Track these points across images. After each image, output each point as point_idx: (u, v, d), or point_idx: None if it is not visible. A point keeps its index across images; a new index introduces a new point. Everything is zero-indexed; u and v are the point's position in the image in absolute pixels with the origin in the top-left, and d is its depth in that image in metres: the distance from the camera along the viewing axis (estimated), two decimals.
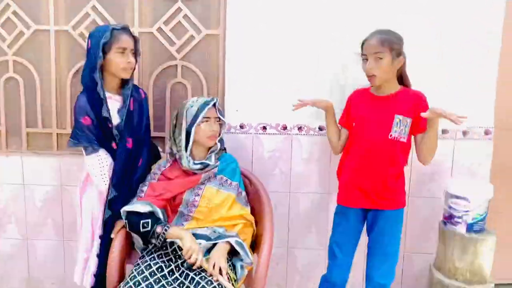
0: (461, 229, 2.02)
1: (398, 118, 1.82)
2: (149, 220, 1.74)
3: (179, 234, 1.71)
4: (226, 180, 1.91)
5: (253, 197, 2.06)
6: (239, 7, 2.22)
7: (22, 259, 2.45)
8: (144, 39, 2.28)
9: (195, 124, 1.83)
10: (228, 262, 1.74)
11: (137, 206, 1.77)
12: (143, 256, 1.78)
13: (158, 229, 1.71)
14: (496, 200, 2.10)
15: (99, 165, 1.81)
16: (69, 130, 2.33)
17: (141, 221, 1.74)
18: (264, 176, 2.30)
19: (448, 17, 2.20)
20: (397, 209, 1.90)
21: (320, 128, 2.30)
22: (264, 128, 2.31)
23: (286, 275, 2.44)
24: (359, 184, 1.90)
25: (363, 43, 1.83)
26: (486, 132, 2.26)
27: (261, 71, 2.27)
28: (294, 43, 2.25)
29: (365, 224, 1.98)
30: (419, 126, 1.83)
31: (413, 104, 1.81)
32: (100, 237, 1.86)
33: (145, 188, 1.84)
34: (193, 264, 1.67)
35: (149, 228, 1.72)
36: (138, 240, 1.86)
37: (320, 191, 2.36)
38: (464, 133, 2.26)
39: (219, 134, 1.94)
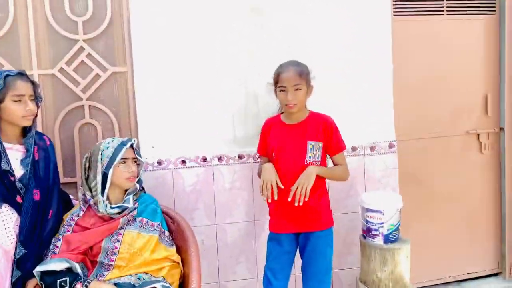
0: (379, 241, 2.13)
1: (310, 144, 1.92)
2: (67, 278, 1.61)
3: None
4: (147, 221, 1.83)
5: (176, 235, 1.99)
6: (144, 42, 2.20)
7: None
8: (45, 81, 2.15)
9: (113, 166, 1.76)
10: None
11: (52, 264, 1.64)
12: None
13: (78, 287, 1.59)
14: (404, 208, 2.26)
15: (3, 222, 1.64)
16: None
17: (58, 281, 1.60)
18: (187, 211, 2.26)
19: (348, 42, 2.37)
20: (326, 229, 1.97)
21: (240, 157, 2.33)
22: (183, 162, 2.28)
23: None
24: (285, 210, 1.94)
25: (278, 74, 1.91)
26: (390, 146, 2.45)
27: (174, 105, 2.25)
28: (205, 73, 2.27)
29: (298, 248, 2.04)
30: (332, 149, 1.96)
31: (322, 128, 1.93)
32: None
33: (59, 243, 1.71)
34: None
35: (67, 287, 1.59)
36: None
37: (246, 219, 2.36)
38: (371, 148, 2.42)
39: (137, 175, 1.87)
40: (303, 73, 1.88)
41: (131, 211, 1.80)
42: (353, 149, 2.40)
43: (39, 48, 2.15)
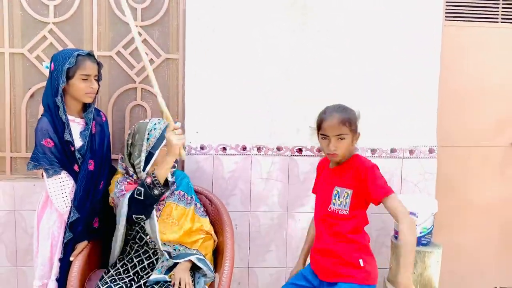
0: None
1: (336, 190, 1.73)
2: (137, 187, 1.75)
3: (166, 165, 1.72)
4: (184, 194, 1.95)
5: (213, 216, 2.10)
6: (197, 32, 2.30)
7: None
8: (103, 62, 2.27)
9: (160, 147, 1.85)
10: (191, 277, 1.79)
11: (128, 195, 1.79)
12: (104, 279, 1.77)
13: (148, 180, 1.72)
14: (440, 215, 2.26)
15: (61, 187, 1.80)
16: (24, 154, 2.28)
17: (134, 195, 1.75)
18: (224, 196, 2.35)
19: (396, 45, 2.38)
20: (351, 283, 1.68)
21: (278, 149, 2.39)
22: (224, 149, 2.37)
23: None
24: (314, 254, 1.82)
25: (321, 121, 1.73)
26: (430, 151, 2.44)
27: (219, 93, 2.34)
28: (249, 65, 2.34)
29: None
30: (371, 197, 1.64)
31: (352, 174, 1.69)
32: (60, 260, 1.82)
33: (122, 189, 1.85)
34: (157, 282, 1.71)
35: (142, 189, 1.72)
36: (115, 246, 1.88)
37: (279, 209, 2.43)
38: (411, 151, 2.42)
39: None
40: (349, 121, 1.68)
41: (172, 185, 1.91)
42: (392, 151, 2.41)
43: (100, 30, 2.30)
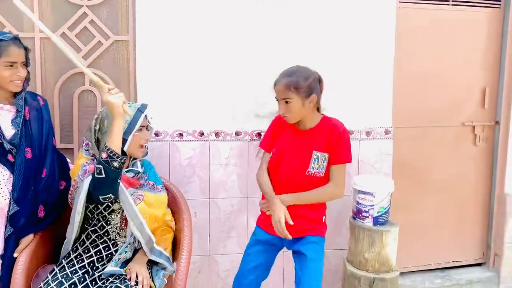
0: (368, 222, 2.17)
1: (316, 154, 1.79)
2: (95, 166, 1.61)
3: (115, 131, 1.60)
4: (153, 184, 1.87)
5: (171, 205, 2.03)
6: (149, 12, 2.19)
7: None
8: (46, 45, 2.15)
9: (133, 132, 1.73)
10: (148, 270, 1.72)
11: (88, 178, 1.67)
12: (55, 273, 1.66)
13: (103, 155, 1.58)
14: (397, 194, 2.31)
15: None
16: None
17: (95, 175, 1.60)
18: (181, 183, 2.28)
19: (351, 27, 2.38)
20: (316, 235, 1.86)
21: (237, 134, 2.34)
22: (181, 135, 2.30)
23: (208, 283, 2.43)
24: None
25: (274, 85, 1.81)
26: (386, 132, 2.48)
27: (174, 77, 2.25)
28: (207, 47, 2.26)
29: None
30: (331, 158, 1.79)
31: (328, 137, 1.79)
32: (1, 256, 1.69)
33: (86, 170, 1.72)
34: (112, 275, 1.64)
35: (101, 167, 1.57)
36: (71, 236, 1.75)
37: (239, 195, 2.39)
38: (367, 133, 2.45)
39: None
40: (292, 84, 1.73)
41: (142, 175, 1.84)
42: (350, 132, 2.42)
43: (42, 10, 2.14)
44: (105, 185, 1.62)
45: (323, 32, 2.36)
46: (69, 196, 1.79)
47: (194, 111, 2.29)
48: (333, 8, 2.35)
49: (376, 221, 2.16)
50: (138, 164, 1.87)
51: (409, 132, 2.63)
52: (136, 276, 1.64)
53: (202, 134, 2.32)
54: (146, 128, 1.83)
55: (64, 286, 1.59)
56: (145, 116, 1.81)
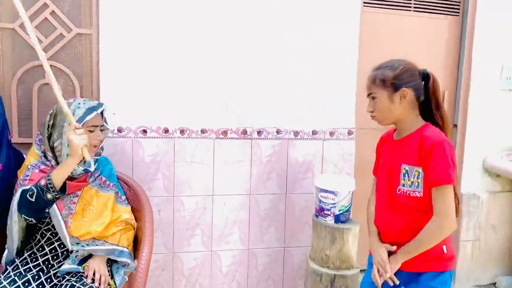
0: (330, 220, 2.22)
1: (404, 168, 1.49)
2: (31, 187, 1.57)
3: (65, 163, 1.57)
4: (105, 180, 1.82)
5: (132, 202, 2.00)
6: (113, 5, 2.15)
7: None
8: (4, 35, 2.07)
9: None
10: (108, 268, 1.69)
11: (24, 188, 1.59)
12: (7, 272, 1.61)
13: (42, 182, 1.54)
14: (358, 193, 2.36)
15: None
16: None
17: (27, 194, 1.55)
18: (145, 181, 2.26)
19: (317, 28, 2.42)
20: (432, 271, 1.49)
21: (203, 131, 2.34)
22: (144, 131, 2.27)
23: (172, 281, 2.41)
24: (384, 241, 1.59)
25: None
26: (349, 133, 2.53)
27: (139, 72, 2.22)
28: (172, 41, 2.24)
29: None
30: (427, 179, 1.43)
31: (418, 148, 1.45)
32: None
33: (28, 176, 1.65)
34: (69, 273, 1.60)
35: (35, 191, 1.54)
36: (12, 250, 1.68)
37: (204, 193, 2.39)
38: (331, 133, 2.50)
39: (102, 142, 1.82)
40: (377, 78, 1.51)
41: (93, 173, 1.78)
42: (314, 133, 2.47)
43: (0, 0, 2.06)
44: (30, 208, 1.57)
45: (291, 34, 2.39)
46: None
47: (158, 108, 2.26)
48: (299, 10, 2.38)
49: (337, 219, 2.21)
50: (92, 163, 1.77)
51: (371, 133, 2.69)
52: (94, 274, 1.61)
53: (166, 131, 2.30)
54: (101, 129, 1.77)
55: (17, 284, 1.54)
56: (102, 116, 1.77)
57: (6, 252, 1.69)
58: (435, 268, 1.48)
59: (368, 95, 1.56)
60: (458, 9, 2.78)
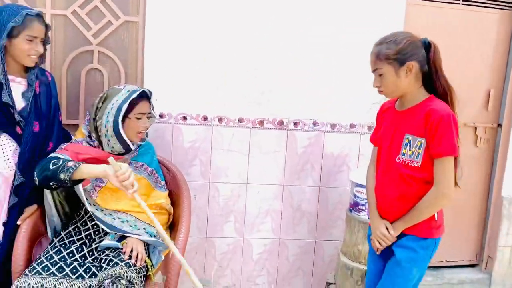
0: (364, 215, 2.20)
1: (407, 138, 1.52)
2: (60, 158, 1.63)
3: (99, 168, 1.58)
4: (142, 165, 1.89)
5: (171, 184, 2.07)
6: None
7: None
8: (57, 21, 2.17)
9: (127, 117, 1.76)
10: (145, 247, 1.75)
11: (54, 154, 1.67)
12: (54, 243, 1.72)
13: (70, 163, 1.58)
14: None
15: (2, 150, 1.71)
16: None
17: (52, 160, 1.60)
18: (183, 166, 2.32)
19: (354, 25, 2.38)
20: (414, 235, 1.56)
21: (240, 120, 2.37)
22: (184, 118, 2.33)
23: (204, 264, 2.48)
24: (379, 210, 1.65)
25: None
26: None
27: (181, 60, 2.27)
28: (215, 32, 2.28)
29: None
30: (431, 149, 1.48)
31: (425, 120, 1.48)
32: (3, 224, 1.75)
33: (63, 145, 1.75)
34: (108, 248, 1.67)
35: (59, 164, 1.57)
36: (53, 220, 1.80)
37: (239, 181, 2.43)
38: (369, 127, 2.46)
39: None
40: (380, 53, 1.51)
41: (132, 153, 1.86)
42: (351, 126, 2.45)
43: None
44: (43, 171, 1.60)
45: (328, 26, 2.36)
46: None
47: (198, 96, 2.32)
48: (342, 4, 2.35)
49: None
50: (135, 145, 1.85)
51: None
52: (132, 251, 1.68)
53: (205, 118, 2.35)
54: (147, 116, 1.84)
55: (62, 255, 1.64)
56: (150, 104, 1.85)
57: (47, 223, 1.81)
58: (420, 233, 1.55)
59: (374, 70, 1.57)
60: (511, 2, 2.65)
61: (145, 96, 1.83)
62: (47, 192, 1.75)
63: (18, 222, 1.73)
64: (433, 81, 1.53)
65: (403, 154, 1.53)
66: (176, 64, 2.27)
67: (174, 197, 2.03)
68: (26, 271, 1.55)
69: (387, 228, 1.59)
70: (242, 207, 2.45)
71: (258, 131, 2.39)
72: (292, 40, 2.34)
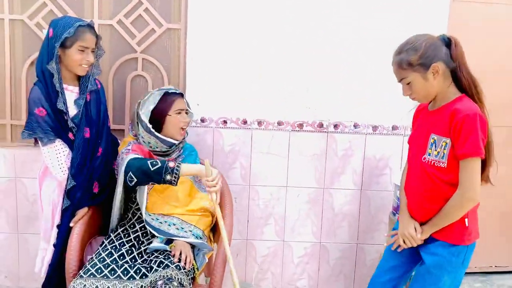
0: None
1: (433, 138, 1.53)
2: (157, 160, 1.73)
3: (195, 167, 1.76)
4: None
5: None
6: (201, 1, 2.25)
7: None
8: (103, 31, 2.26)
9: (168, 115, 1.86)
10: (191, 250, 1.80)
11: (133, 155, 1.76)
12: (104, 245, 1.79)
13: (171, 164, 1.69)
14: None
15: (56, 155, 1.80)
16: (23, 121, 2.25)
17: (148, 161, 1.70)
18: (224, 169, 2.35)
19: (396, 23, 2.33)
20: (443, 240, 1.54)
21: (279, 123, 2.38)
22: (225, 122, 2.36)
23: (245, 267, 2.50)
24: (409, 209, 1.65)
25: None
26: None
27: (221, 66, 2.31)
28: (257, 38, 2.30)
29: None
30: (456, 151, 1.46)
31: (449, 120, 1.47)
32: (58, 226, 1.84)
33: (130, 146, 1.84)
34: (156, 250, 1.74)
35: (159, 165, 1.67)
36: (115, 220, 1.88)
37: (278, 184, 2.43)
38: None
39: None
40: (404, 62, 1.51)
41: (179, 152, 1.93)
42: (394, 128, 2.39)
43: None
44: (145, 175, 1.69)
45: (370, 24, 2.32)
46: (115, 170, 1.91)
47: (238, 100, 2.34)
48: (385, 3, 2.31)
49: None
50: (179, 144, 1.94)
51: None
52: (180, 254, 1.72)
53: (245, 122, 2.37)
54: (186, 112, 1.93)
55: (113, 257, 1.71)
56: (185, 101, 1.95)
57: (112, 215, 1.89)
58: (450, 239, 1.52)
59: (400, 80, 1.57)
60: None
61: (179, 94, 1.91)
62: (119, 193, 1.81)
63: (71, 224, 1.81)
64: (457, 76, 1.52)
65: (429, 154, 1.53)
66: (216, 69, 2.31)
67: None
68: (81, 273, 1.62)
69: (415, 229, 1.58)
70: (282, 210, 2.46)
71: (297, 133, 2.39)
72: (332, 42, 2.32)
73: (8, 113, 2.29)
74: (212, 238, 2.00)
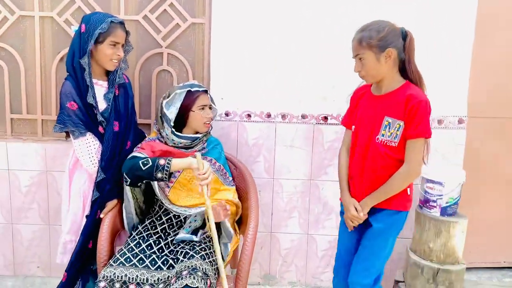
0: (435, 212, 2.12)
1: (387, 120, 1.66)
2: (148, 158, 1.75)
3: (185, 161, 1.73)
4: (211, 160, 1.95)
5: (238, 180, 2.13)
6: None
7: (7, 243, 2.45)
8: (129, 26, 2.29)
9: (191, 110, 1.87)
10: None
11: (135, 154, 1.81)
12: (132, 236, 1.83)
13: (161, 161, 1.71)
14: (467, 186, 2.21)
15: (87, 148, 1.85)
16: (54, 116, 2.34)
17: (140, 161, 1.73)
18: (248, 162, 2.37)
19: (422, 14, 2.29)
20: (391, 209, 1.73)
21: (303, 116, 2.37)
22: (249, 115, 2.37)
23: (269, 259, 2.52)
24: (354, 190, 1.80)
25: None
26: (460, 121, 2.37)
27: (245, 60, 2.32)
28: (278, 31, 2.30)
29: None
30: (407, 131, 1.63)
31: (404, 104, 1.62)
32: (86, 216, 1.90)
33: (140, 145, 1.88)
34: (183, 241, 1.76)
35: (150, 164, 1.71)
36: (130, 216, 1.91)
37: (302, 177, 2.44)
38: (439, 121, 2.36)
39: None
40: (364, 39, 1.62)
41: (202, 144, 1.94)
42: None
43: None
44: (135, 173, 1.72)
45: (401, 18, 2.28)
46: None
47: (262, 93, 2.35)
48: None
49: (444, 211, 2.11)
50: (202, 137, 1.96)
51: (485, 123, 2.49)
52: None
53: (269, 115, 2.38)
54: (209, 108, 1.94)
55: (141, 247, 1.75)
56: (209, 96, 1.95)
57: (125, 219, 1.92)
58: (396, 207, 1.72)
59: (355, 56, 1.68)
60: None
61: (202, 90, 1.91)
62: (127, 190, 1.86)
63: (101, 216, 1.86)
64: (406, 68, 1.67)
65: (382, 135, 1.68)
66: (240, 63, 2.32)
67: (241, 193, 2.08)
68: (111, 262, 1.67)
69: (356, 209, 1.75)
70: (306, 203, 2.46)
71: (321, 127, 2.38)
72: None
73: (39, 108, 2.36)
74: (237, 230, 2.02)
